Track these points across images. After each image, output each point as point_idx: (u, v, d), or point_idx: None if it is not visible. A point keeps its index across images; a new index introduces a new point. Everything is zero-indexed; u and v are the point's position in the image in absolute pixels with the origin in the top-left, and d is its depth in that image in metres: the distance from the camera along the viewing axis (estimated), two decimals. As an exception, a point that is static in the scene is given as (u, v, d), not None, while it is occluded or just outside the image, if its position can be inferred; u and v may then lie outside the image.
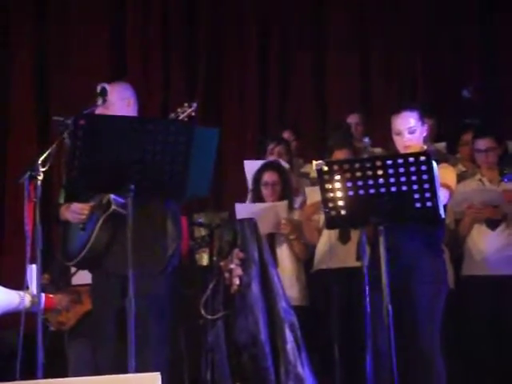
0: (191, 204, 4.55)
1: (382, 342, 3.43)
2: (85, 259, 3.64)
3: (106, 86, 3.52)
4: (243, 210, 4.80)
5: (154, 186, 3.33)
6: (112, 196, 3.55)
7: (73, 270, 4.51)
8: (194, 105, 3.57)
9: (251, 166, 5.03)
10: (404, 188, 3.33)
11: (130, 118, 3.60)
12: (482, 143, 4.80)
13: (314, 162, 3.52)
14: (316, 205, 4.62)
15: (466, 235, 4.75)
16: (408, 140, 3.90)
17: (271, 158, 5.40)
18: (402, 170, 3.32)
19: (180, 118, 3.54)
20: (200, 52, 6.95)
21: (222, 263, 4.09)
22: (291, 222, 4.81)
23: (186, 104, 3.59)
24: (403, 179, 3.33)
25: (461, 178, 4.75)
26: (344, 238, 4.74)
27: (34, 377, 3.17)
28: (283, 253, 4.84)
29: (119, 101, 3.71)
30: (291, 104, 6.96)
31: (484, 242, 4.68)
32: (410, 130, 3.91)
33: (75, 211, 3.65)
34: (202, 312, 4.08)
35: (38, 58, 6.64)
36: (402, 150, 3.90)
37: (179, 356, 4.55)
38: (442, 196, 3.49)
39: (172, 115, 3.58)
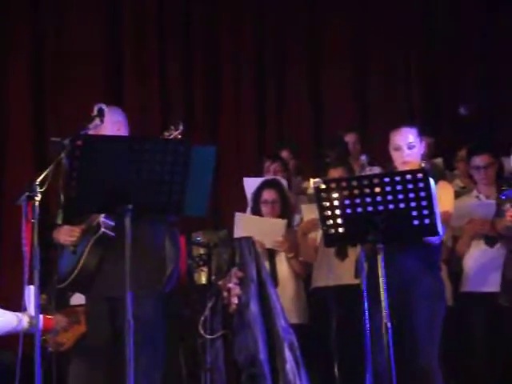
0: (189, 223, 4.55)
1: (381, 359, 3.41)
2: (75, 281, 3.66)
3: (104, 106, 3.53)
4: (242, 219, 4.81)
5: (152, 206, 3.33)
6: (102, 218, 3.57)
7: (71, 290, 4.50)
8: (180, 127, 3.58)
9: (251, 184, 5.03)
10: (402, 205, 3.34)
11: (127, 137, 3.62)
12: (480, 160, 4.80)
13: (312, 180, 3.53)
14: (312, 222, 4.62)
15: (464, 252, 4.75)
16: (407, 155, 3.91)
17: (268, 176, 5.42)
18: (399, 187, 3.32)
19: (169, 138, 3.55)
20: (197, 69, 6.98)
21: (220, 282, 4.08)
22: (288, 240, 4.81)
23: (172, 127, 3.60)
24: (401, 196, 3.33)
25: (458, 194, 4.76)
26: (341, 255, 4.74)
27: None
28: (283, 270, 4.84)
29: (110, 124, 3.72)
30: (288, 121, 6.98)
31: (482, 259, 4.68)
32: (409, 146, 3.92)
33: (66, 234, 3.68)
34: (201, 331, 4.06)
35: (34, 78, 6.65)
36: (401, 166, 3.91)
37: (178, 376, 4.53)
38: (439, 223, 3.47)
39: (164, 135, 3.58)
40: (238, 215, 4.87)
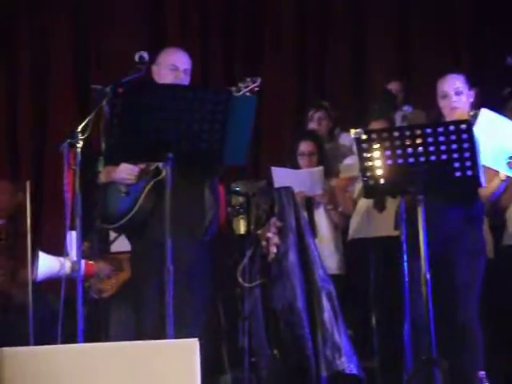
0: (228, 172, 4.55)
1: (420, 311, 3.41)
2: (128, 223, 3.64)
3: (145, 54, 3.51)
4: (279, 173, 4.80)
5: (192, 155, 3.35)
6: (161, 164, 3.53)
7: (111, 237, 4.55)
8: (258, 80, 3.53)
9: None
10: (444, 157, 3.30)
11: (168, 85, 3.61)
12: None
13: (353, 131, 3.50)
14: (350, 179, 4.62)
15: (508, 204, 4.68)
16: (455, 102, 3.84)
17: (312, 125, 5.39)
18: (442, 138, 3.28)
19: (242, 92, 3.51)
20: (238, 26, 6.89)
21: (259, 232, 4.10)
22: (328, 193, 4.81)
23: (248, 79, 3.55)
24: (443, 148, 3.29)
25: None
26: (379, 207, 4.72)
27: (75, 342, 3.22)
28: (321, 221, 4.85)
29: (165, 68, 3.71)
30: (329, 70, 6.89)
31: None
32: (456, 91, 3.85)
33: (125, 171, 3.64)
34: (240, 280, 4.10)
35: (76, 24, 6.65)
36: (449, 113, 3.84)
37: (217, 323, 4.59)
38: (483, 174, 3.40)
39: (233, 89, 3.54)
40: (274, 169, 4.85)
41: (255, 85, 3.53)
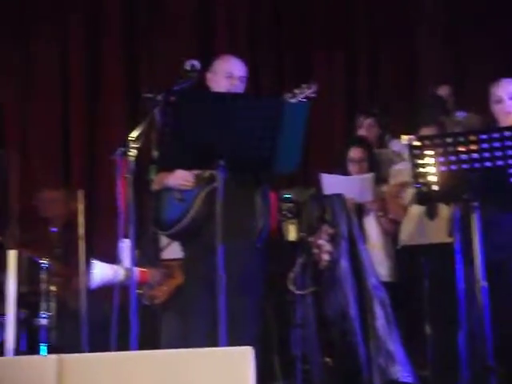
0: (279, 179, 4.55)
1: (475, 319, 3.36)
2: (183, 230, 3.66)
3: (196, 62, 3.53)
4: (329, 180, 4.78)
5: (244, 162, 3.35)
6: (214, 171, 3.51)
7: (162, 244, 4.58)
8: (313, 86, 3.52)
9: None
10: (499, 163, 3.25)
11: (220, 93, 3.62)
12: None
13: (405, 137, 3.48)
14: (402, 185, 4.58)
15: None
16: (510, 106, 3.78)
17: (361, 132, 5.36)
18: (497, 144, 3.23)
19: (297, 98, 3.50)
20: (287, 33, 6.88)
21: (311, 239, 4.09)
22: (378, 200, 4.78)
23: (303, 85, 3.54)
24: (498, 154, 3.24)
25: None
26: (431, 214, 4.67)
27: (127, 348, 3.24)
28: (372, 228, 4.81)
29: (221, 76, 3.73)
30: (379, 78, 6.84)
31: None
32: (511, 96, 3.80)
33: (181, 178, 3.66)
34: (291, 287, 4.09)
35: (126, 34, 6.71)
36: (504, 118, 3.78)
37: (268, 331, 4.58)
38: None
39: (288, 95, 3.54)
40: (324, 176, 4.83)
41: (311, 91, 3.52)
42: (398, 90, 6.73)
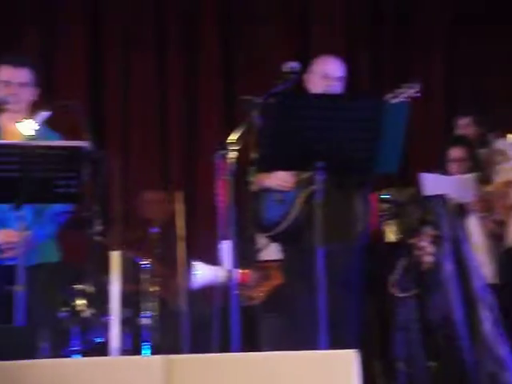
0: (377, 180, 4.49)
1: None
2: (284, 231, 3.66)
3: (295, 64, 3.51)
4: (429, 180, 4.69)
5: (343, 163, 3.32)
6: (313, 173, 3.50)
7: (259, 246, 4.59)
8: (416, 85, 3.46)
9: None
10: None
11: (319, 95, 3.61)
12: None
13: (510, 136, 3.37)
14: (508, 184, 4.45)
15: None
16: None
17: (460, 131, 5.25)
18: None
19: (399, 98, 3.45)
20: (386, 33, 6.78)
21: (412, 241, 4.01)
22: (481, 200, 4.66)
23: (405, 84, 3.49)
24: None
25: None
26: (539, 215, 4.52)
27: (228, 349, 3.25)
28: (474, 229, 4.70)
29: (318, 77, 3.72)
30: (478, 77, 6.66)
31: None
32: None
33: (282, 179, 3.68)
34: (392, 290, 4.03)
35: (223, 35, 6.76)
36: None
37: (369, 333, 4.53)
38: None
39: (389, 96, 3.50)
40: (424, 176, 4.75)
41: (413, 90, 3.45)
42: (503, 89, 6.54)
